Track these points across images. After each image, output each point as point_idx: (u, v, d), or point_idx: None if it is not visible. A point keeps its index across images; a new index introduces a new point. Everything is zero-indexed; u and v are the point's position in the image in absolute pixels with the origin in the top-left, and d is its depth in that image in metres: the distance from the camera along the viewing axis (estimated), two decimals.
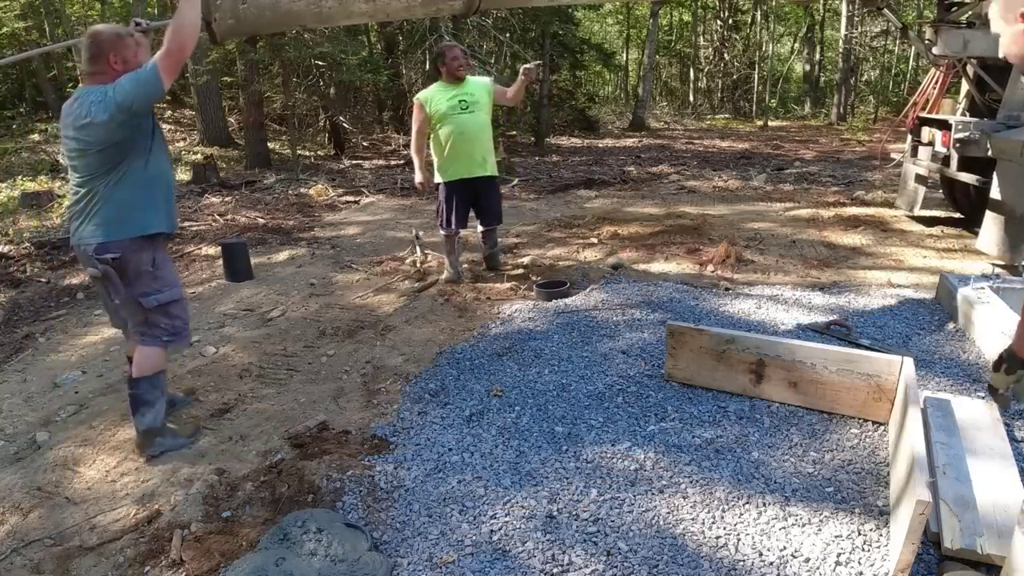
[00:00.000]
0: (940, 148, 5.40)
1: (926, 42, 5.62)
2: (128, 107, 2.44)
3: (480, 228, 4.90)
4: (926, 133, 5.75)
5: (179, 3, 2.48)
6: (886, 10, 6.05)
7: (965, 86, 5.79)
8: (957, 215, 6.29)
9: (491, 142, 4.69)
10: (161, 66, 2.44)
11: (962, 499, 2.06)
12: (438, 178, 4.66)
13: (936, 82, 5.99)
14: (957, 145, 5.09)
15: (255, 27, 3.61)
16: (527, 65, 4.37)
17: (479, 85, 4.64)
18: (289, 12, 3.35)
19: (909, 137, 6.10)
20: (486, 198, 4.72)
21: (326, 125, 14.22)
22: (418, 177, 4.67)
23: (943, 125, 5.43)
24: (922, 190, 5.96)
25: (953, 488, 2.11)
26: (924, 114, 5.98)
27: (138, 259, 2.62)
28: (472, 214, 4.80)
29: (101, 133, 2.47)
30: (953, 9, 5.63)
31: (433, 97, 4.53)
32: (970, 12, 5.49)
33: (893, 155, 6.77)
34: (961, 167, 5.21)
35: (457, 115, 4.46)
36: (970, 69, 5.61)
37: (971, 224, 5.75)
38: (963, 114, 5.65)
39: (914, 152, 5.97)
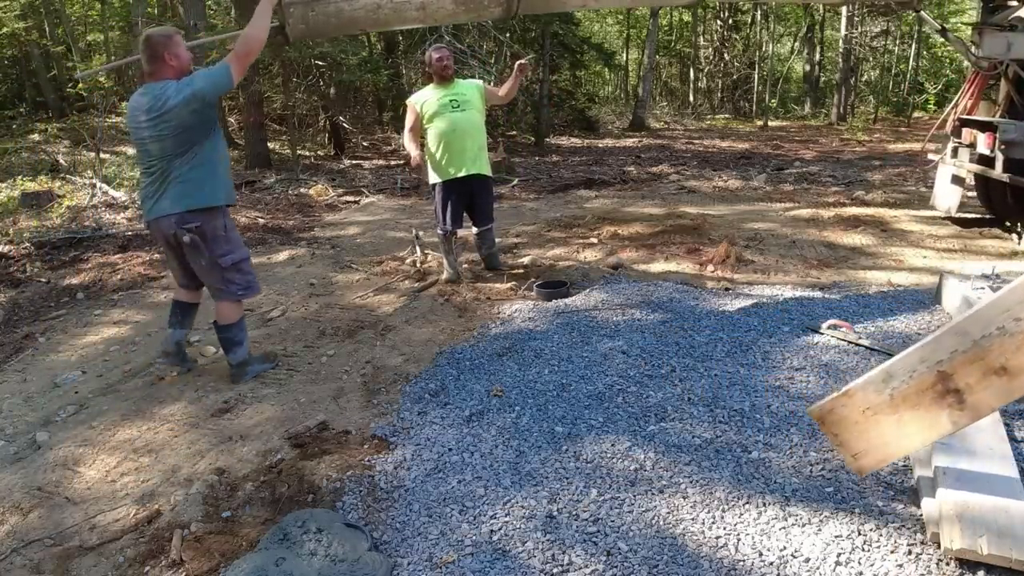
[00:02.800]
0: (983, 150, 5.42)
1: (969, 43, 5.65)
2: (203, 97, 2.96)
3: (475, 230, 4.90)
4: (967, 134, 5.77)
5: (254, 16, 3.09)
6: (923, 12, 6.08)
7: (1003, 88, 5.80)
8: (989, 216, 6.32)
9: (484, 141, 4.69)
10: (232, 66, 3.01)
11: (962, 499, 2.06)
12: (434, 178, 4.67)
13: (975, 85, 6.00)
14: (1003, 147, 5.10)
15: (323, 31, 4.08)
16: (521, 61, 4.35)
17: (470, 86, 4.68)
18: (351, 19, 3.88)
19: (950, 139, 6.11)
20: (480, 198, 4.73)
21: (326, 125, 14.19)
22: (412, 152, 4.52)
23: (986, 127, 5.44)
24: (959, 191, 5.99)
25: (953, 488, 2.11)
26: (966, 116, 5.98)
27: (214, 226, 3.13)
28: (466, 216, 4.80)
29: (177, 119, 2.93)
30: (996, 12, 5.64)
31: (425, 99, 4.56)
32: (1013, 15, 5.51)
33: (931, 156, 6.79)
34: (1005, 168, 5.24)
35: (449, 113, 4.48)
36: (1011, 71, 5.62)
37: (1003, 224, 5.88)
38: (1002, 116, 5.66)
39: (954, 154, 5.99)
